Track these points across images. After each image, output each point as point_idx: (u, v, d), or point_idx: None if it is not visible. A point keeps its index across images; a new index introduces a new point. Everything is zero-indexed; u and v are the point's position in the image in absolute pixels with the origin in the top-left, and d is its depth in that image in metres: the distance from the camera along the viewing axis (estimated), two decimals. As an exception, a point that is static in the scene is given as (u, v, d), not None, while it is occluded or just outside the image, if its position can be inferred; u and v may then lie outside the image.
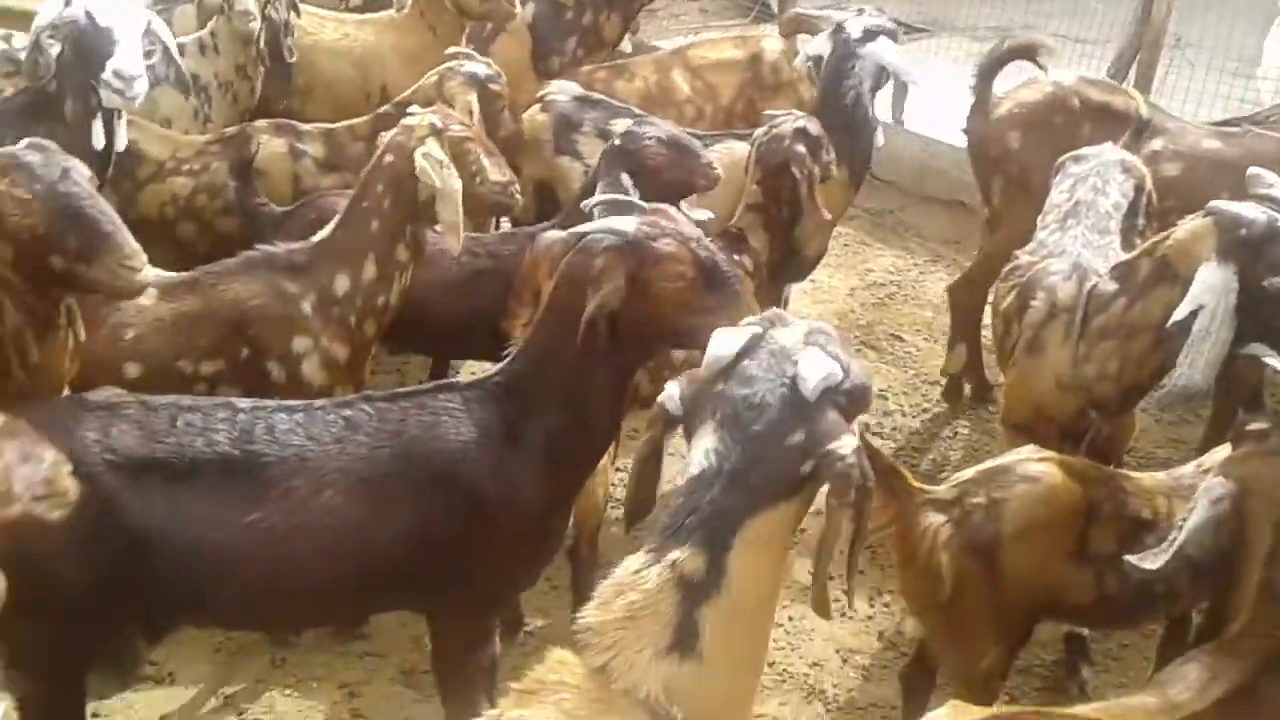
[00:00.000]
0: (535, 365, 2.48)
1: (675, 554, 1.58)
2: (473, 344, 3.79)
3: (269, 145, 3.96)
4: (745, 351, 1.67)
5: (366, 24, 4.89)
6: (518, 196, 3.46)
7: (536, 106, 4.22)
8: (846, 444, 1.60)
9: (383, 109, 4.16)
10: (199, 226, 3.94)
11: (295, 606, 2.55)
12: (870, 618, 3.54)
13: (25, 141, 2.57)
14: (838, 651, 3.41)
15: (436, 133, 3.09)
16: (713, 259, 2.34)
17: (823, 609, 1.70)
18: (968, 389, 4.62)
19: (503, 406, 2.48)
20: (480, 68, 4.01)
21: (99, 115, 3.41)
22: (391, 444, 2.43)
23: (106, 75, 3.31)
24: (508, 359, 2.56)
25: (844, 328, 5.14)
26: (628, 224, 2.33)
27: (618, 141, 3.41)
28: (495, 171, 3.34)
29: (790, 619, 3.49)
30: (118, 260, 2.51)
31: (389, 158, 3.10)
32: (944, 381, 4.66)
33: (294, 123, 4.09)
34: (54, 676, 2.43)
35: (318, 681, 3.17)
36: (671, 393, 1.70)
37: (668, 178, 3.41)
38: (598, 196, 2.82)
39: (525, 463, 2.46)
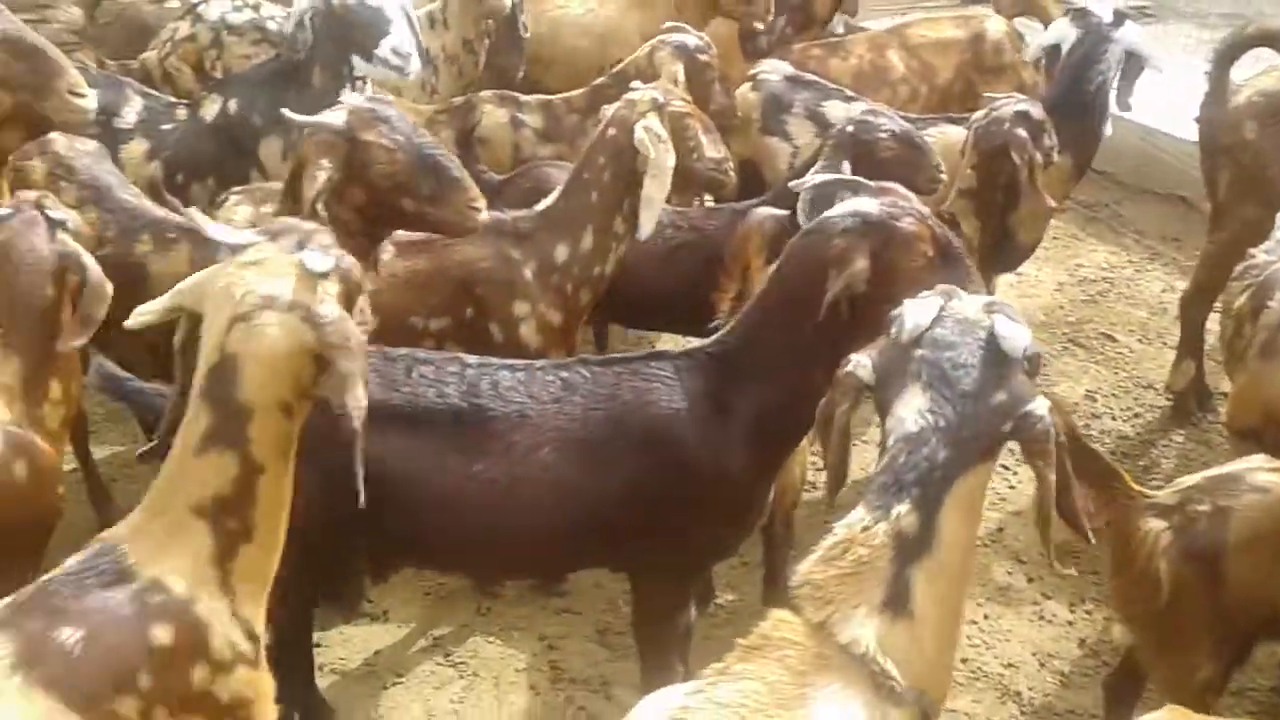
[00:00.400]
0: (752, 339, 2.51)
1: (897, 509, 1.66)
2: (671, 316, 3.85)
3: (492, 115, 4.12)
4: (935, 321, 1.77)
5: (612, 0, 4.99)
6: (732, 174, 3.48)
7: (747, 85, 4.24)
8: (1041, 405, 1.70)
9: (598, 81, 4.27)
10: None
11: (507, 556, 2.67)
12: (1071, 623, 3.43)
13: (364, 97, 2.85)
14: (1034, 654, 3.32)
15: (658, 108, 3.15)
16: (946, 235, 2.38)
17: (1061, 566, 1.75)
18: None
19: (714, 377, 2.52)
20: (690, 39, 4.06)
21: (349, 85, 3.63)
22: (605, 407, 2.52)
23: (383, 52, 3.57)
24: (725, 331, 2.60)
25: (1050, 324, 4.98)
26: (870, 205, 2.35)
27: (850, 129, 3.36)
28: (712, 148, 3.36)
29: (985, 617, 3.43)
30: (465, 201, 2.81)
31: (611, 131, 3.18)
32: (1158, 386, 4.45)
33: (516, 95, 4.24)
34: (289, 605, 2.61)
35: (519, 632, 3.31)
36: (863, 362, 1.80)
37: (894, 173, 3.35)
38: (819, 175, 2.83)
39: (733, 433, 2.50)
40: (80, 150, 3.30)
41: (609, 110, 3.26)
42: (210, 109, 3.77)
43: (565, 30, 4.87)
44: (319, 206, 2.67)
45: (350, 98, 2.89)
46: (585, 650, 3.26)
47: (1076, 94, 3.91)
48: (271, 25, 4.54)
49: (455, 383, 2.51)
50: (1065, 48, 4.01)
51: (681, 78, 3.88)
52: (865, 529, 1.67)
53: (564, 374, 2.57)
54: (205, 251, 2.70)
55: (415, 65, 3.62)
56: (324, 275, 1.87)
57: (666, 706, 1.62)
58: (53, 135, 3.19)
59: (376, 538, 2.55)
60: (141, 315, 1.98)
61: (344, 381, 1.82)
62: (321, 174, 2.68)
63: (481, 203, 2.85)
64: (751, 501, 2.63)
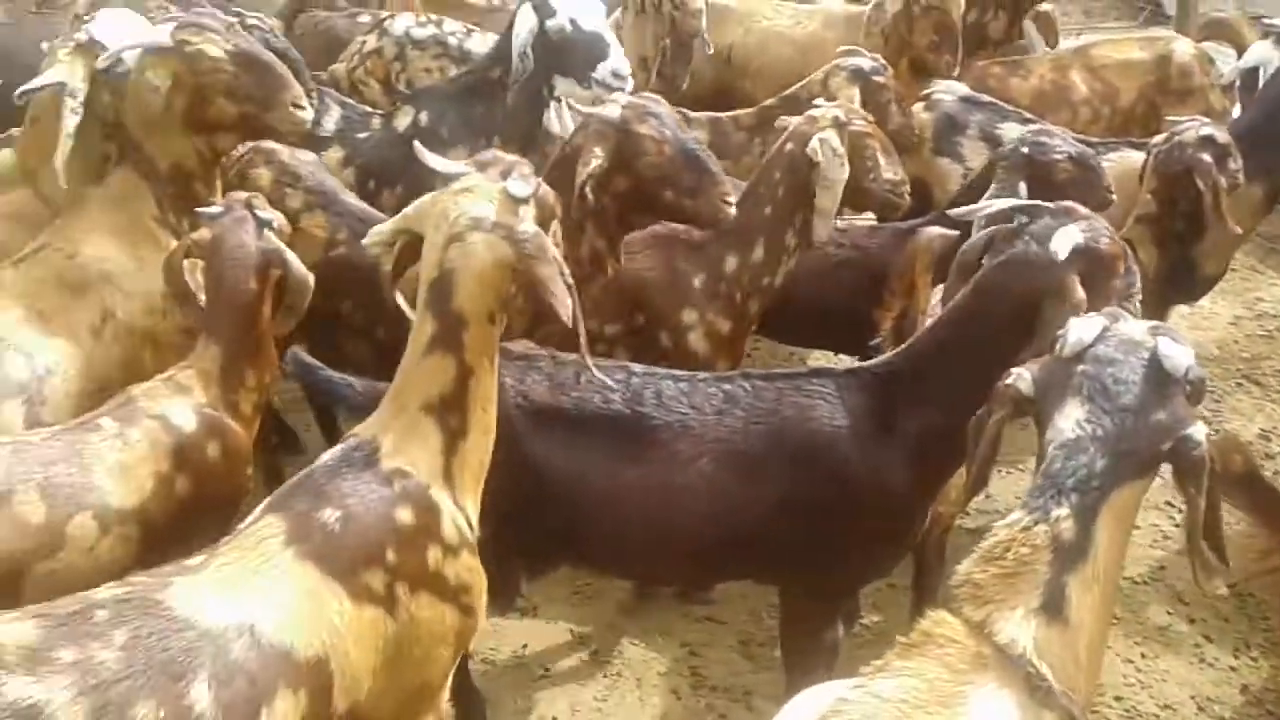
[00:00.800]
0: (931, 361, 2.50)
1: (1056, 512, 1.71)
2: (829, 333, 3.84)
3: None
4: (1097, 339, 1.83)
5: (818, 14, 5.07)
6: (906, 198, 3.46)
7: (920, 104, 4.20)
8: (1200, 431, 1.74)
9: (768, 102, 4.29)
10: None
11: (662, 561, 2.71)
12: (1234, 669, 3.28)
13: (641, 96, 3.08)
14: (1193, 698, 3.18)
15: (839, 125, 3.19)
16: (1127, 251, 2.45)
17: (1207, 583, 1.79)
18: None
19: (879, 396, 2.53)
20: (865, 61, 4.04)
21: (552, 104, 3.81)
22: (766, 421, 2.54)
23: (600, 75, 3.71)
24: (898, 351, 2.61)
25: (1224, 359, 4.76)
26: (1075, 233, 2.34)
27: (1025, 149, 3.30)
28: (889, 170, 3.36)
29: (1143, 656, 3.31)
30: (719, 195, 2.98)
31: (789, 145, 3.22)
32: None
33: (686, 111, 4.29)
34: None
35: (662, 636, 3.35)
36: (1024, 375, 1.87)
37: (1068, 196, 3.28)
38: (999, 200, 2.80)
39: (896, 454, 2.50)
40: (302, 159, 3.47)
41: (790, 125, 3.30)
42: (403, 120, 3.93)
43: (772, 41, 4.96)
44: (587, 190, 2.86)
45: (619, 96, 3.11)
46: (727, 659, 3.28)
47: (1274, 121, 3.73)
48: (452, 41, 4.73)
49: (621, 390, 2.58)
50: (1266, 71, 3.83)
51: (858, 101, 3.87)
52: (1025, 529, 1.71)
53: (726, 386, 2.61)
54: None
55: (630, 85, 3.76)
56: (524, 200, 2.10)
57: (826, 698, 1.66)
58: (276, 146, 3.38)
59: (536, 535, 2.64)
60: (374, 239, 2.24)
61: (545, 283, 2.07)
62: (594, 160, 2.87)
63: (732, 197, 3.01)
64: (909, 523, 2.62)
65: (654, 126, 2.95)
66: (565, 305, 2.08)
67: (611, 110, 2.96)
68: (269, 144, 3.37)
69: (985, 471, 1.97)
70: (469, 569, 2.11)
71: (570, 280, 2.12)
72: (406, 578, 2.00)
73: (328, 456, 2.08)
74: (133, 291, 2.85)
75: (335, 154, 3.87)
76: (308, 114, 3.01)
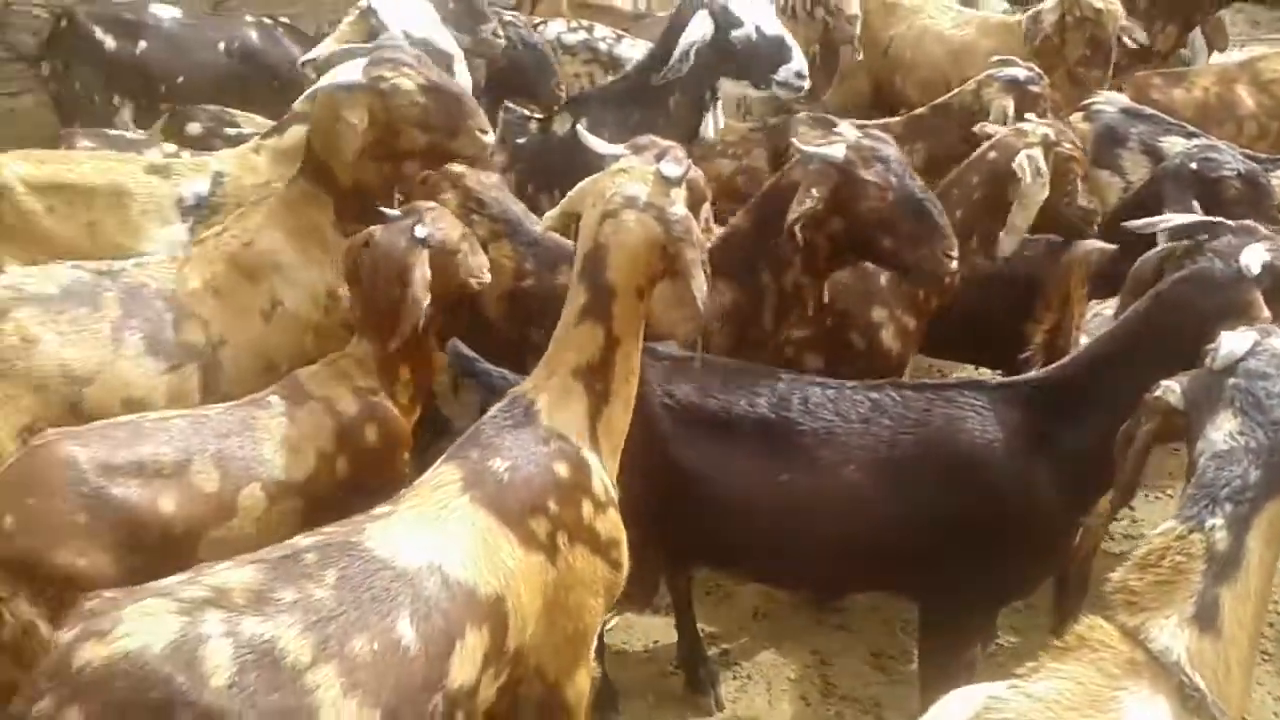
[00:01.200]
0: (1091, 374, 2.46)
1: (1210, 521, 1.71)
2: (975, 344, 3.77)
3: (805, 136, 4.16)
4: (1249, 353, 1.84)
5: (976, 20, 5.06)
6: (1096, 226, 3.39)
7: (1080, 114, 4.09)
8: None
9: (918, 111, 4.25)
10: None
11: (800, 566, 2.72)
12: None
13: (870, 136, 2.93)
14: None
15: (1047, 145, 3.18)
16: None
17: None
18: None
19: (1034, 411, 2.49)
20: (1020, 72, 3.97)
21: (711, 109, 3.87)
22: (914, 432, 2.53)
23: (783, 77, 3.82)
24: (1057, 365, 2.57)
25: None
26: (1262, 251, 2.30)
27: (1193, 165, 3.23)
28: (1084, 198, 3.32)
29: (1296, 696, 3.16)
30: (942, 248, 2.84)
31: (993, 154, 3.23)
32: None
33: (832, 117, 4.28)
34: None
35: (792, 642, 3.36)
36: (1173, 387, 1.89)
37: (1235, 214, 3.16)
38: (1178, 215, 2.72)
39: (1049, 471, 2.45)
40: (486, 184, 3.50)
41: (996, 134, 3.29)
42: (562, 125, 4.01)
43: (928, 40, 4.97)
44: (797, 229, 2.78)
45: (846, 131, 3.01)
46: (858, 670, 3.27)
47: None
48: (602, 46, 4.82)
49: (767, 395, 2.59)
50: None
51: (1011, 112, 3.81)
52: (1180, 537, 1.72)
53: (874, 395, 2.60)
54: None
55: (807, 84, 3.85)
56: (675, 182, 2.22)
57: (978, 696, 1.66)
58: (461, 170, 3.45)
59: (678, 536, 2.67)
60: (546, 222, 2.47)
61: (687, 265, 2.18)
62: (809, 200, 2.78)
63: (955, 252, 2.88)
64: (1057, 542, 2.57)
65: (879, 172, 2.82)
66: (700, 290, 2.17)
67: (836, 150, 2.85)
68: (455, 167, 3.45)
69: (1133, 483, 1.98)
70: (615, 525, 2.24)
71: (707, 265, 2.21)
72: (566, 528, 2.14)
73: (494, 412, 2.25)
74: (299, 285, 2.98)
75: (497, 159, 3.96)
76: (489, 138, 3.09)
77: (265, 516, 2.45)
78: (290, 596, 1.80)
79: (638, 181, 2.23)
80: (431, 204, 2.79)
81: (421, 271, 2.58)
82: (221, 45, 4.91)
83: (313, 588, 1.82)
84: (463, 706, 1.95)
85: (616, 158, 2.31)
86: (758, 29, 3.78)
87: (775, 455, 2.55)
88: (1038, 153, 3.12)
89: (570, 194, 2.37)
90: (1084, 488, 2.47)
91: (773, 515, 2.56)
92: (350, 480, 2.57)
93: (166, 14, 4.91)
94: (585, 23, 5.16)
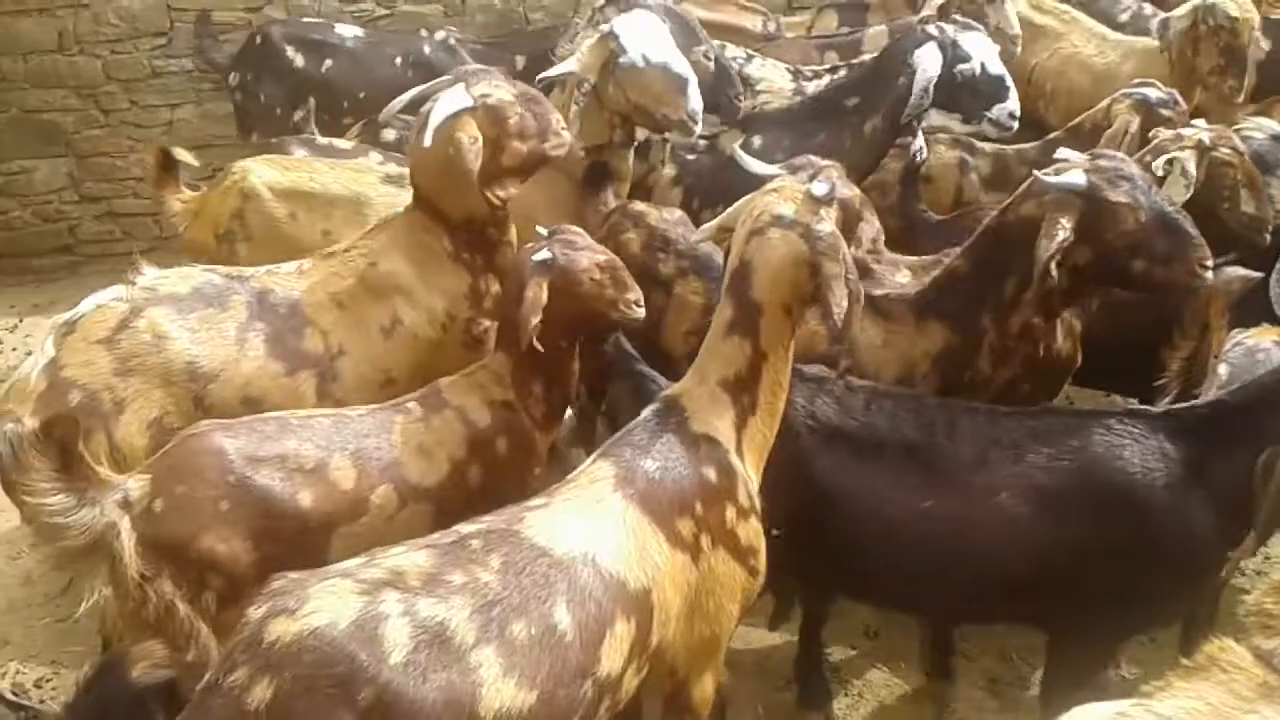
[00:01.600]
0: (1254, 406, 2.42)
1: None
2: (1108, 371, 3.67)
3: (943, 156, 4.16)
4: None
5: (1121, 46, 4.96)
6: (1265, 235, 3.29)
7: (1226, 139, 3.96)
8: None
9: (1051, 135, 4.19)
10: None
11: (939, 593, 2.66)
12: None
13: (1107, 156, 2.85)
14: None
15: (1200, 149, 3.12)
16: None
17: None
18: None
19: (1199, 440, 2.44)
20: (1153, 92, 3.89)
21: (918, 135, 3.92)
22: (1071, 459, 2.48)
23: (996, 115, 3.87)
24: (1228, 393, 2.53)
25: None
26: None
27: None
28: (1249, 203, 3.23)
29: None
30: (1197, 259, 2.73)
31: (1148, 158, 3.18)
32: None
33: (971, 140, 4.24)
34: None
35: (905, 664, 3.32)
36: None
37: None
38: None
39: (1207, 504, 2.40)
40: (670, 220, 3.49)
41: (1155, 139, 3.26)
42: (730, 142, 3.99)
43: (1071, 67, 4.92)
44: (1052, 267, 2.68)
45: (1074, 156, 2.91)
46: (972, 696, 3.22)
47: None
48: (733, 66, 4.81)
49: (912, 419, 2.58)
50: None
51: (1135, 129, 3.73)
52: None
53: (1030, 422, 2.57)
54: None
55: (1016, 125, 3.91)
56: (824, 200, 2.27)
57: (1104, 713, 1.64)
58: (643, 208, 3.54)
59: (814, 558, 2.64)
60: (700, 235, 2.59)
61: (828, 281, 2.21)
62: (1060, 233, 2.67)
63: (1210, 261, 2.74)
64: (1207, 575, 2.51)
65: (1127, 192, 2.70)
66: (840, 306, 2.19)
67: (1075, 177, 2.73)
68: (636, 205, 3.53)
69: (1276, 515, 1.96)
70: (756, 533, 2.29)
71: (856, 287, 2.22)
72: (710, 530, 2.20)
73: (646, 414, 2.34)
74: (420, 306, 3.08)
75: (669, 173, 4.04)
76: (568, 134, 3.17)
77: (396, 517, 2.54)
78: (459, 580, 1.92)
79: (786, 200, 2.29)
80: (574, 229, 2.84)
81: (534, 293, 2.64)
82: (399, 60, 5.30)
83: (479, 572, 1.94)
84: (609, 695, 2.04)
85: (772, 177, 2.36)
86: (983, 66, 3.83)
87: (926, 480, 2.52)
88: (1187, 156, 3.05)
89: (728, 210, 2.44)
90: (1240, 520, 2.38)
91: (922, 541, 2.52)
92: (480, 490, 2.65)
93: (350, 33, 5.42)
94: (717, 43, 5.19)
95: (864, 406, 2.62)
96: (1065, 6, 5.23)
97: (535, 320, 2.62)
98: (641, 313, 2.79)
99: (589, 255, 2.75)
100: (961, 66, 3.82)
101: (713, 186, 3.94)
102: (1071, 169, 2.77)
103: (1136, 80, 4.03)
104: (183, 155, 3.82)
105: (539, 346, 2.64)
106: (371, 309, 3.05)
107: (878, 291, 3.00)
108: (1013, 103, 3.87)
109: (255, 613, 1.85)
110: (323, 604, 1.82)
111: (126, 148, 6.20)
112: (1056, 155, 3.17)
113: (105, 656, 2.34)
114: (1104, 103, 4.00)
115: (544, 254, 2.70)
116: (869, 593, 2.86)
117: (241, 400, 2.84)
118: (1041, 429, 2.52)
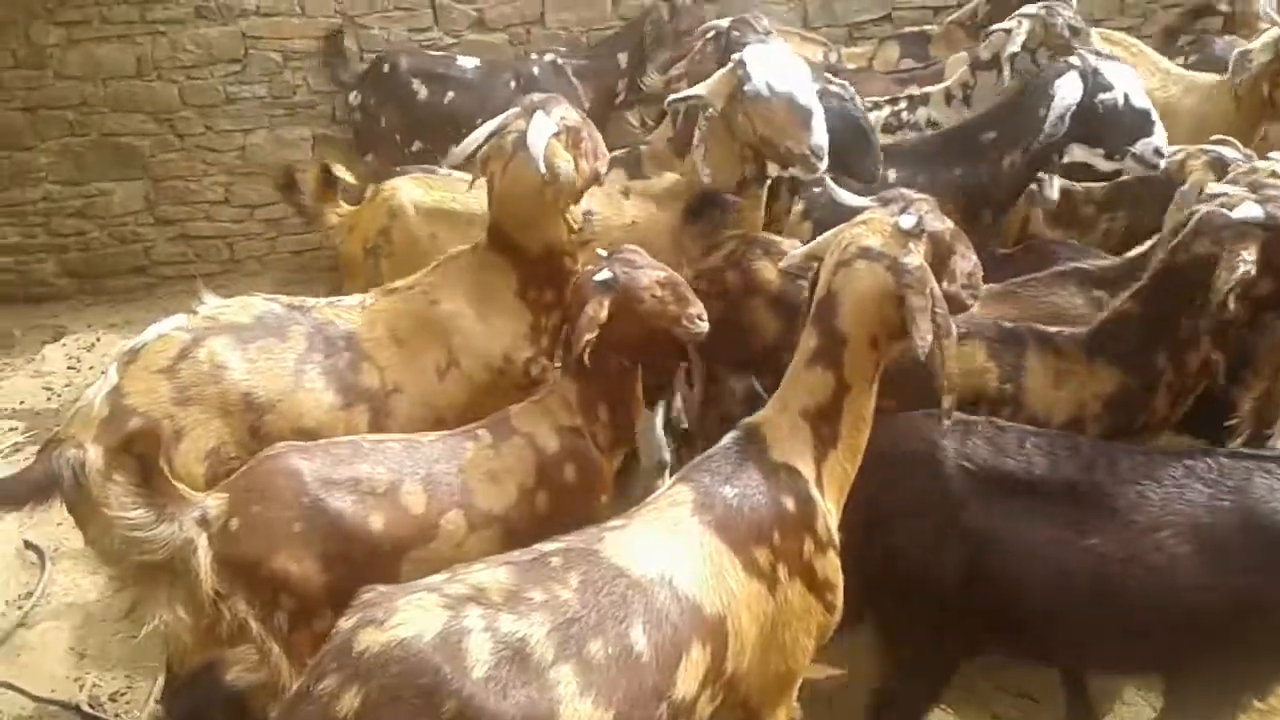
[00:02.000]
0: None
1: None
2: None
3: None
4: None
5: (1184, 80, 4.89)
6: None
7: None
8: None
9: (1124, 178, 4.10)
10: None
11: (1101, 639, 2.56)
12: None
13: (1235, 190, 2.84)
14: None
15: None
16: None
17: None
18: None
19: None
20: (1229, 152, 3.80)
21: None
22: (1231, 500, 2.45)
23: (1140, 150, 3.69)
24: None
25: None
26: None
27: None
28: None
29: None
30: None
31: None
32: None
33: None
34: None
35: (974, 709, 3.24)
36: None
37: None
38: None
39: None
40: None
41: (1232, 170, 3.21)
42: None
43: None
44: (1231, 301, 2.67)
45: (1233, 189, 2.89)
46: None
47: None
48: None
49: (1068, 456, 2.55)
50: None
51: (1209, 189, 3.66)
52: None
53: (1188, 461, 2.54)
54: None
55: (1164, 162, 3.75)
56: (912, 233, 2.26)
57: None
58: (773, 237, 3.50)
59: (969, 605, 2.56)
60: (787, 263, 2.56)
61: (913, 313, 2.18)
62: (1242, 265, 2.65)
63: None
64: None
65: None
66: (924, 340, 2.17)
67: (1252, 209, 2.69)
68: (765, 235, 3.51)
69: None
70: (834, 568, 2.28)
71: (945, 321, 2.19)
72: (787, 561, 2.19)
73: (727, 440, 2.35)
74: (476, 350, 3.10)
75: (798, 207, 4.01)
76: (601, 165, 3.17)
77: (464, 542, 2.56)
78: (539, 597, 1.94)
79: (875, 233, 2.29)
80: (633, 248, 2.85)
81: (593, 310, 2.66)
82: (511, 82, 5.50)
83: (558, 589, 1.96)
84: (683, 719, 2.03)
85: (862, 209, 2.36)
86: (1126, 97, 3.71)
87: (1085, 518, 2.48)
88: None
89: (817, 240, 2.45)
90: None
91: (1081, 580, 2.46)
92: (547, 516, 2.65)
93: (469, 64, 5.66)
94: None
95: (1018, 445, 2.58)
96: (1133, 40, 5.18)
97: (590, 335, 2.63)
98: (705, 327, 2.77)
99: (649, 273, 2.76)
100: (1103, 96, 3.70)
101: (839, 220, 3.89)
102: (1241, 201, 2.73)
103: (1215, 137, 3.97)
104: (341, 171, 3.93)
105: (588, 363, 2.64)
106: (429, 348, 3.07)
107: (1051, 329, 3.01)
108: (1159, 138, 3.69)
109: (345, 623, 1.89)
110: (409, 616, 1.85)
111: (200, 172, 6.37)
112: (1210, 190, 3.09)
113: (200, 660, 2.37)
114: (1180, 154, 3.94)
115: (605, 274, 2.72)
116: (1030, 639, 2.69)
117: (296, 431, 2.84)
118: (1200, 468, 2.50)
